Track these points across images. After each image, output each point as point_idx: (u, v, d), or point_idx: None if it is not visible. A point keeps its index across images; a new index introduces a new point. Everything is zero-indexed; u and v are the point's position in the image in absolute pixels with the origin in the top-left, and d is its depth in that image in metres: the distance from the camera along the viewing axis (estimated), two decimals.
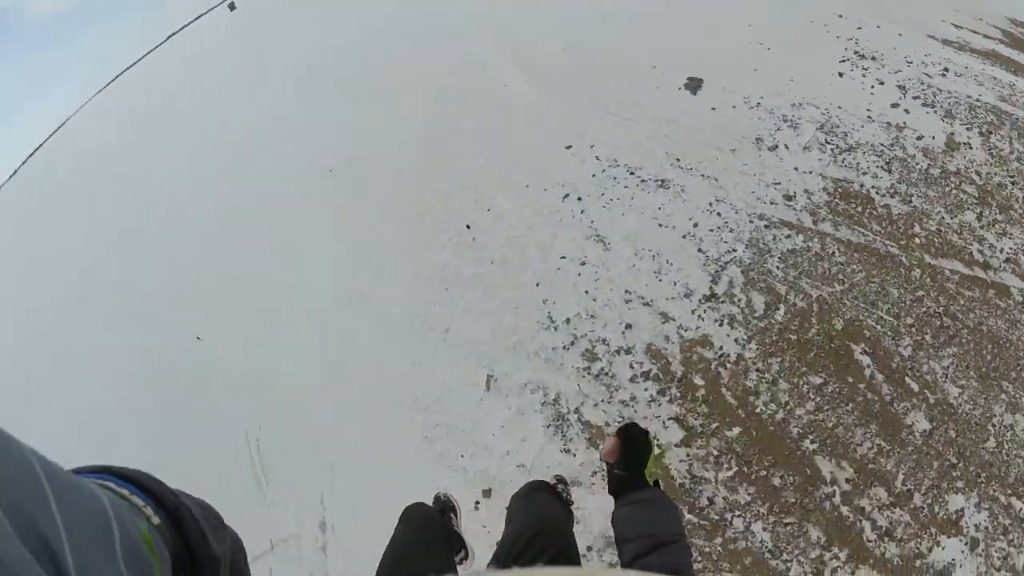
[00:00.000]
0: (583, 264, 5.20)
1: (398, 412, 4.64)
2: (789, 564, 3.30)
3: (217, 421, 5.45)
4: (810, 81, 6.45)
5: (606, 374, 4.35)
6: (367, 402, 4.87)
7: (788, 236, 4.91)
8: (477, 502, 3.87)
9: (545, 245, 5.52)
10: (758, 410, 3.88)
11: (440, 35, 11.39)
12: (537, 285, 5.23)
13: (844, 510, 3.42)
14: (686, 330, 4.44)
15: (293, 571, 4.06)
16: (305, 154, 9.02)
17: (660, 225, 5.26)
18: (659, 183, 5.64)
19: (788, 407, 3.86)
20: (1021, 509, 3.40)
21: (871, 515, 3.40)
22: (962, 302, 4.32)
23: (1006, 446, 3.62)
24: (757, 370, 4.11)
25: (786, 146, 5.70)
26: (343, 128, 9.38)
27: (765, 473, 3.61)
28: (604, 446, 1.54)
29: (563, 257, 5.34)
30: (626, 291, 4.85)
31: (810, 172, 5.43)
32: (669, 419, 3.96)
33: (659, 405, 4.06)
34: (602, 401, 4.20)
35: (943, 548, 3.30)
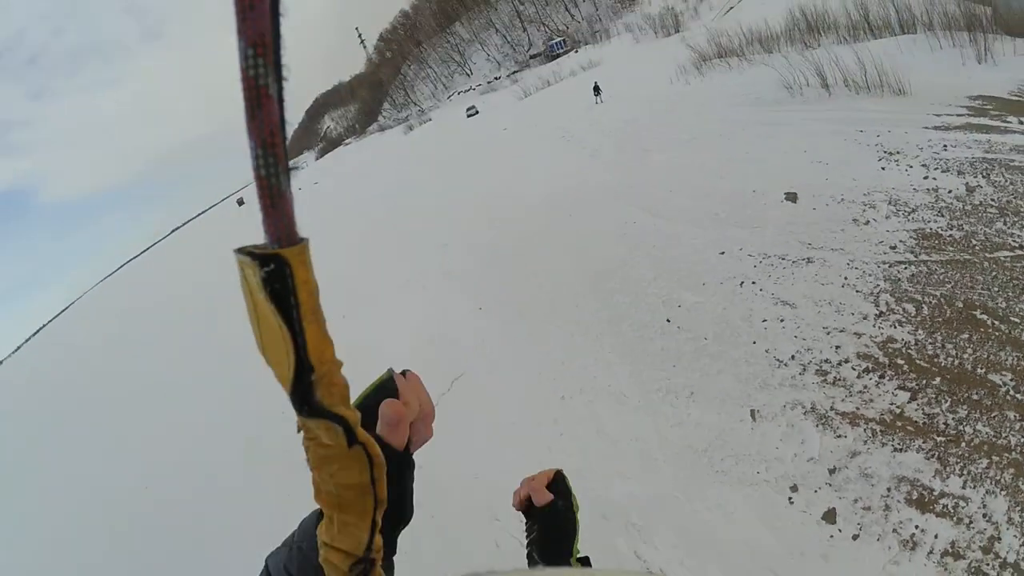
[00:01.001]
0: (782, 321, 7.87)
1: (687, 459, 6.73)
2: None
3: None
4: (864, 176, 9.51)
5: (840, 380, 6.87)
6: (647, 459, 7.17)
7: (905, 266, 7.70)
8: (790, 498, 6.11)
9: (745, 316, 8.21)
10: (943, 364, 6.49)
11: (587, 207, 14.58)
12: (754, 343, 7.82)
13: (1019, 396, 5.99)
14: (874, 337, 7.09)
15: None
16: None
17: (821, 284, 8.02)
18: (806, 260, 8.48)
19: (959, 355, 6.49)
20: None
21: None
22: (1011, 269, 7.04)
23: None
24: (929, 344, 6.76)
25: (874, 220, 8.63)
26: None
27: (967, 394, 6.16)
28: (526, 490, 1.21)
29: (764, 320, 8.00)
30: (823, 327, 7.50)
31: (896, 231, 8.31)
32: (896, 389, 6.49)
33: (884, 384, 6.61)
34: (846, 397, 6.68)
35: None
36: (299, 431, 0.59)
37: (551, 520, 1.14)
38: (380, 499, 0.64)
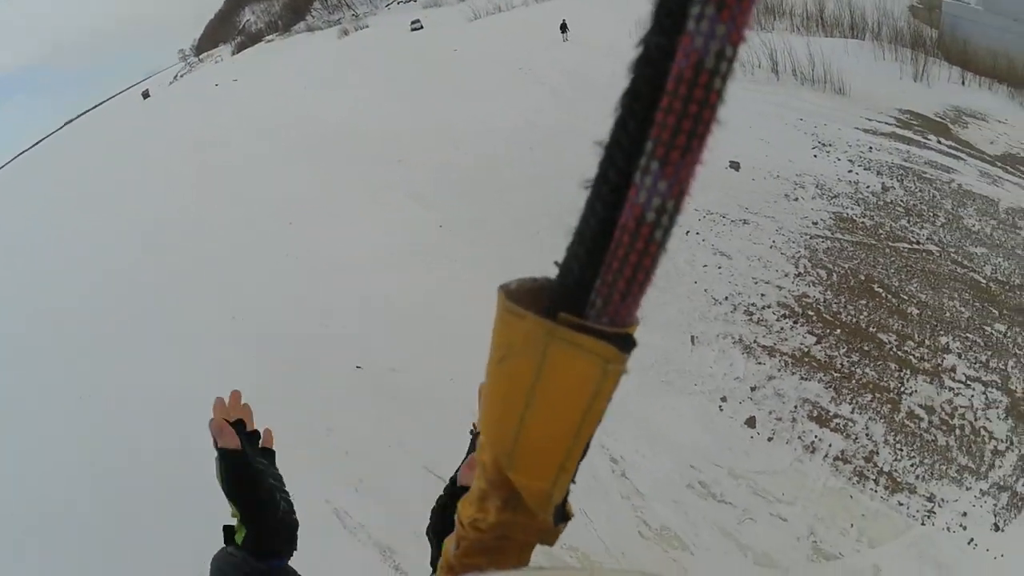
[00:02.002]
0: (719, 268, 9.19)
1: (638, 372, 7.99)
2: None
3: None
4: (799, 160, 10.92)
5: (762, 321, 8.31)
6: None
7: (823, 240, 9.17)
8: (720, 407, 7.70)
9: (689, 260, 9.46)
10: (844, 320, 8.03)
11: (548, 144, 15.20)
12: (695, 283, 9.08)
13: (900, 353, 7.61)
14: (792, 292, 8.53)
15: None
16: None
17: (754, 243, 9.40)
18: (743, 221, 9.83)
19: (856, 315, 8.04)
20: None
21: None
22: (907, 258, 8.67)
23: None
24: (835, 304, 8.28)
25: (802, 198, 10.07)
26: None
27: (859, 345, 7.72)
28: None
29: (705, 265, 9.30)
30: (752, 277, 8.86)
31: (819, 210, 9.78)
32: (806, 333, 7.98)
33: (796, 328, 8.06)
34: (766, 334, 8.09)
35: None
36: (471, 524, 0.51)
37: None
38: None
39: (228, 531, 1.06)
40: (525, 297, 0.37)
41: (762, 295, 8.49)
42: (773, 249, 9.19)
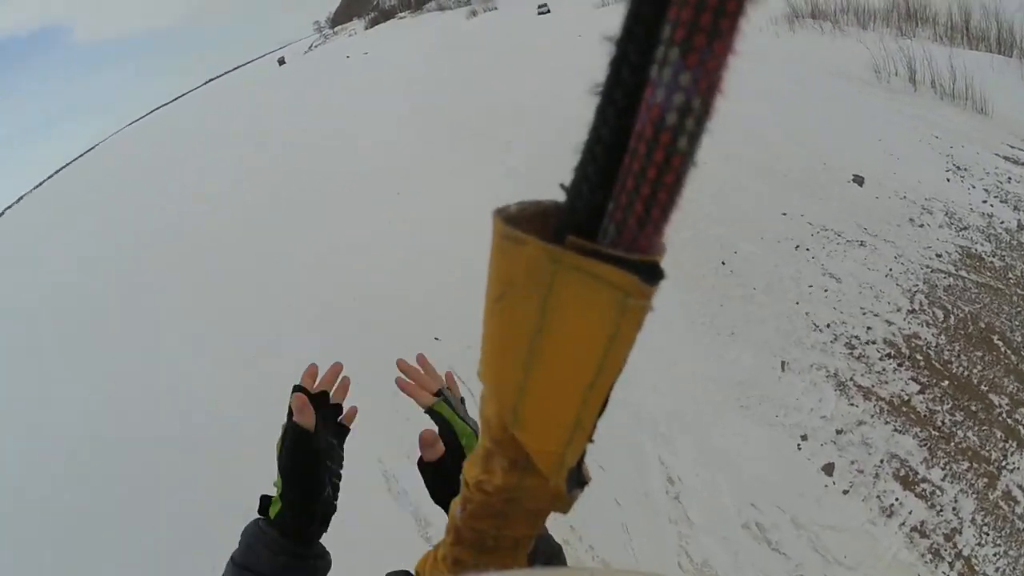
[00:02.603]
0: (826, 291, 8.52)
1: (718, 388, 7.59)
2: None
3: None
4: (930, 181, 9.88)
5: (864, 357, 7.63)
6: (682, 381, 8.02)
7: (945, 276, 8.28)
8: (799, 444, 7.12)
9: (794, 277, 8.84)
10: (955, 371, 7.23)
11: None
12: (797, 303, 8.50)
13: (1009, 420, 6.78)
14: (902, 329, 7.78)
15: None
16: None
17: (868, 268, 8.62)
18: (859, 242, 9.03)
19: (970, 368, 7.22)
20: None
21: None
22: None
23: None
24: (947, 351, 7.47)
25: (928, 224, 9.12)
26: None
27: (967, 404, 6.93)
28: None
29: (810, 286, 8.65)
30: (860, 307, 8.17)
31: (945, 241, 8.82)
32: (909, 379, 7.24)
33: (900, 371, 7.35)
34: (865, 373, 7.45)
35: None
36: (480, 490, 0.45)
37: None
38: (534, 539, 0.52)
39: (264, 501, 1.00)
40: (527, 223, 0.32)
41: (868, 328, 7.79)
42: (888, 278, 8.39)
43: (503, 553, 0.50)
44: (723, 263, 9.31)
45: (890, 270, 8.52)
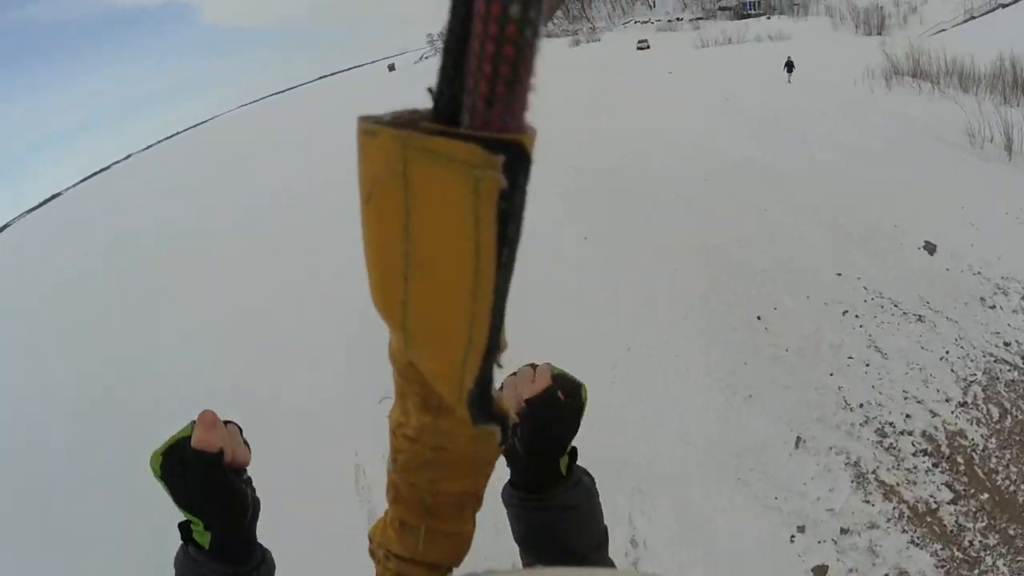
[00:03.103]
0: (867, 366, 7.45)
1: (717, 454, 6.56)
2: None
3: None
4: (1011, 259, 8.59)
5: (894, 449, 6.53)
6: (679, 436, 6.86)
7: (1009, 369, 7.07)
8: (793, 536, 5.77)
9: (835, 345, 7.80)
10: (999, 484, 6.04)
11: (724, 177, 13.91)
12: (831, 375, 7.48)
13: None
14: (948, 423, 6.64)
15: None
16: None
17: (921, 347, 7.50)
18: (918, 317, 7.90)
19: (1018, 483, 6.02)
20: None
21: None
22: None
23: None
24: (996, 457, 6.28)
25: (1001, 307, 7.88)
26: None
27: (1005, 525, 5.75)
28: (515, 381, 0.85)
29: (851, 357, 7.60)
30: (903, 390, 7.07)
31: (1018, 328, 7.58)
32: (942, 484, 6.11)
33: (933, 473, 6.22)
34: (892, 468, 6.36)
35: None
36: (398, 433, 0.45)
37: (542, 411, 0.82)
38: (480, 500, 0.51)
39: (186, 529, 0.82)
40: (393, 124, 0.30)
41: (907, 416, 6.74)
42: (943, 362, 7.29)
43: (447, 515, 0.48)
44: (759, 317, 8.33)
45: (947, 353, 7.38)
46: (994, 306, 7.92)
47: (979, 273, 8.45)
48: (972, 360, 7.22)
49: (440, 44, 0.32)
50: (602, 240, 10.97)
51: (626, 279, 9.59)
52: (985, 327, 7.62)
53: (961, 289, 8.22)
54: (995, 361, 7.17)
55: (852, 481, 6.11)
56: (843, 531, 5.63)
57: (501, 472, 0.60)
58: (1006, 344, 7.37)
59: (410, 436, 0.43)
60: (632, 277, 9.59)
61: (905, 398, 6.93)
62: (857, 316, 8.13)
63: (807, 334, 7.95)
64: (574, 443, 0.86)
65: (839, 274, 8.87)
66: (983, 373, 7.05)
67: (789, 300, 8.57)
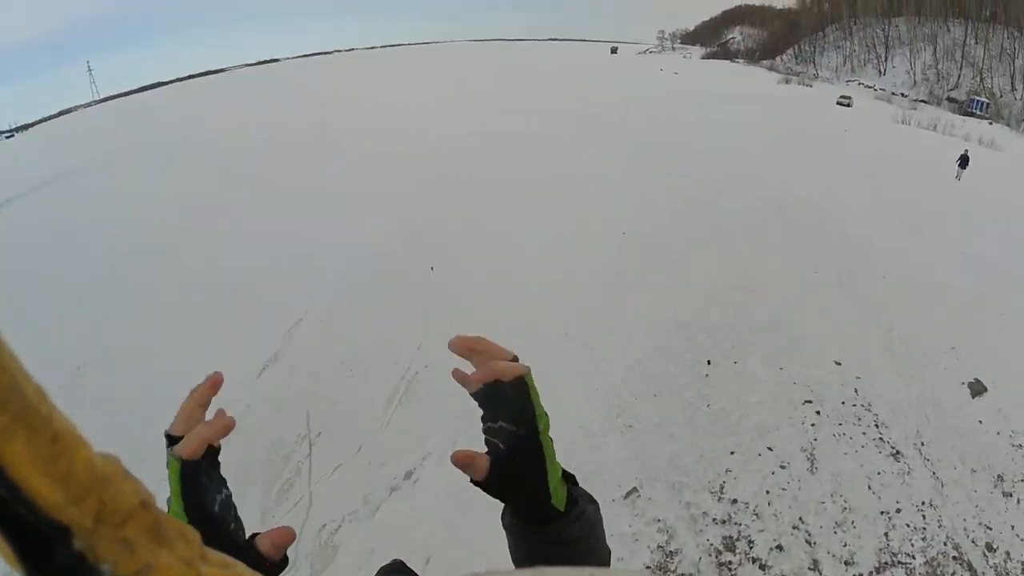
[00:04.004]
0: (782, 468, 5.29)
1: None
2: None
3: None
4: None
5: (729, 567, 4.46)
6: None
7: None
8: None
9: (764, 427, 5.62)
10: None
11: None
12: (732, 453, 5.39)
13: None
14: None
15: None
16: None
17: (869, 488, 5.17)
18: (894, 452, 5.48)
19: None
20: None
21: None
22: None
23: None
24: None
25: (1019, 500, 5.28)
26: None
27: None
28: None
29: (770, 448, 5.45)
30: (800, 518, 4.87)
31: (1021, 538, 5.02)
32: None
33: None
34: None
35: None
36: None
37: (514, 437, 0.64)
38: None
39: None
40: None
41: (778, 548, 4.65)
42: (880, 519, 5.12)
43: None
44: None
45: (896, 510, 5.01)
46: (1011, 494, 5.34)
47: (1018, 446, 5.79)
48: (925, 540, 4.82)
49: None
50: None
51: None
52: (977, 511, 5.12)
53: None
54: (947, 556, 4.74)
55: None
56: None
57: None
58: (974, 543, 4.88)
59: None
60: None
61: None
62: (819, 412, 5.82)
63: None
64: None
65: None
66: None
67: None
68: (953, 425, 5.88)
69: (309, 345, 7.66)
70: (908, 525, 4.89)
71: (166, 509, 0.54)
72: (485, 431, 0.66)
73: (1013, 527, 5.05)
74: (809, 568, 4.55)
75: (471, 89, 32.77)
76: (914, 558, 4.67)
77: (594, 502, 0.74)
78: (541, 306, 7.86)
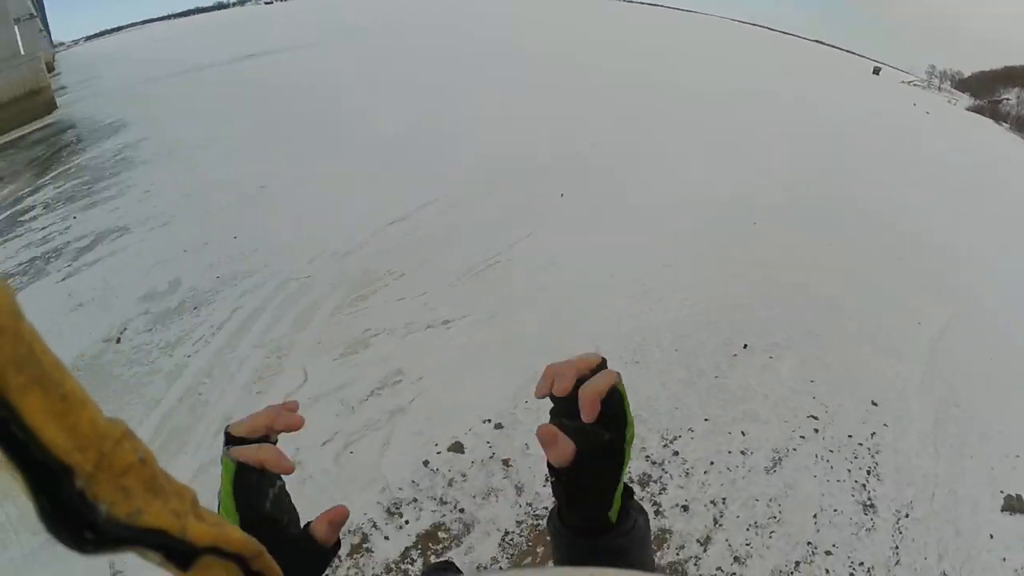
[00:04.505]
0: (742, 453, 4.94)
1: None
2: None
3: None
4: None
5: None
6: None
7: None
8: None
9: (753, 416, 5.20)
10: None
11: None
12: (706, 420, 5.19)
13: None
14: None
15: None
16: None
17: (815, 517, 4.63)
18: (868, 504, 4.83)
19: None
20: None
21: None
22: None
23: None
24: None
25: None
26: None
27: None
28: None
29: (744, 433, 5.12)
30: (724, 499, 4.56)
31: None
32: None
33: None
34: None
35: None
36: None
37: (589, 451, 0.64)
38: None
39: None
40: None
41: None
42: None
43: None
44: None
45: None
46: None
47: None
48: None
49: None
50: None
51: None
52: None
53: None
54: None
55: None
56: None
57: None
58: None
59: None
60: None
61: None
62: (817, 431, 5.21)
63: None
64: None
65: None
66: None
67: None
68: (956, 522, 5.04)
69: (432, 219, 9.12)
70: (827, 572, 4.32)
71: (216, 502, 0.61)
72: (572, 429, 0.64)
73: None
74: (698, 541, 4.20)
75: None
76: None
77: (644, 513, 0.73)
78: (634, 242, 8.40)
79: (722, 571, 4.06)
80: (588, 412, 0.62)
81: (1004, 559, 4.86)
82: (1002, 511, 5.27)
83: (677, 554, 4.12)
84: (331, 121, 13.85)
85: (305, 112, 14.79)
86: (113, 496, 0.25)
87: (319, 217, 8.71)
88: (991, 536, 5.02)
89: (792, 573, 4.17)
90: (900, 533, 4.73)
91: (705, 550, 4.16)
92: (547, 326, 6.33)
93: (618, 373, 0.66)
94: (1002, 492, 5.37)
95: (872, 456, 5.22)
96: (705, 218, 9.56)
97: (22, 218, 9.98)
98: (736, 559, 4.16)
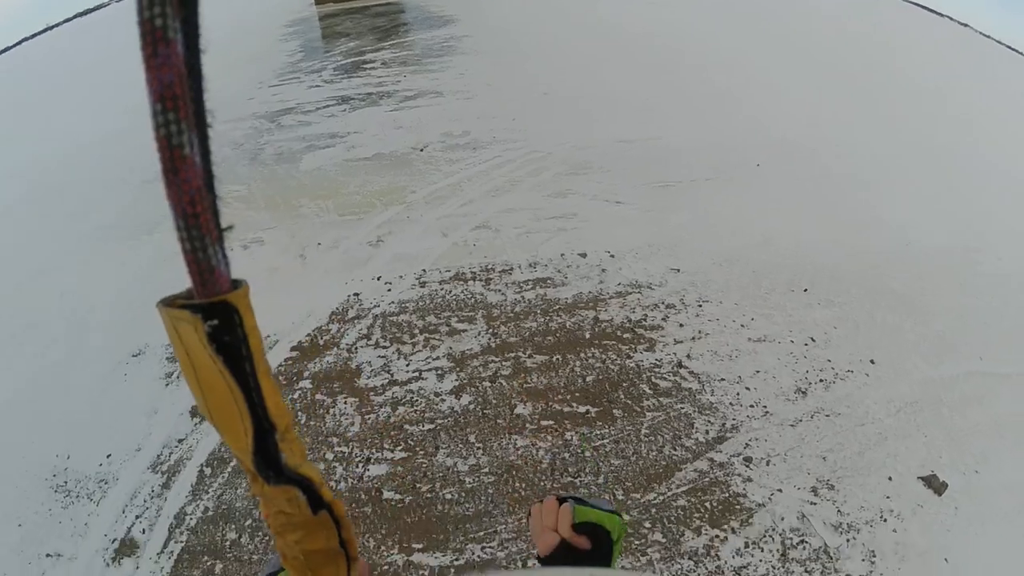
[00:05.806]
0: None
1: None
2: None
3: None
4: None
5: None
6: None
7: None
8: None
9: (756, 333, 5.47)
10: None
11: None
12: (676, 269, 5.79)
13: None
14: None
15: None
16: None
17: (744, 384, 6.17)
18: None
19: None
20: None
21: None
22: None
23: None
24: None
25: None
26: None
27: None
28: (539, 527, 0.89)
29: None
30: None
31: None
32: None
33: None
34: None
35: None
36: (256, 498, 0.51)
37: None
38: (353, 558, 0.53)
39: None
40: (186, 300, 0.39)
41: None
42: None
43: (323, 571, 0.52)
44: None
45: None
46: None
47: None
48: None
49: None
50: None
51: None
52: None
53: None
54: None
55: None
56: None
57: None
58: None
59: (267, 507, 0.48)
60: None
61: None
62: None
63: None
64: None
65: None
66: None
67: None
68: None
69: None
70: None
71: None
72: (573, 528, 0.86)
73: None
74: (504, 271, 6.30)
75: None
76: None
77: None
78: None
79: None
80: (579, 544, 0.84)
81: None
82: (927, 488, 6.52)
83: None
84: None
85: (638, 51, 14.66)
86: (288, 451, 0.43)
87: (566, 122, 10.33)
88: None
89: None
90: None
91: (510, 268, 5.58)
92: None
93: (573, 501, 0.87)
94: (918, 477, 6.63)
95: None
96: None
97: (364, 67, 13.70)
98: (507, 267, 6.15)
